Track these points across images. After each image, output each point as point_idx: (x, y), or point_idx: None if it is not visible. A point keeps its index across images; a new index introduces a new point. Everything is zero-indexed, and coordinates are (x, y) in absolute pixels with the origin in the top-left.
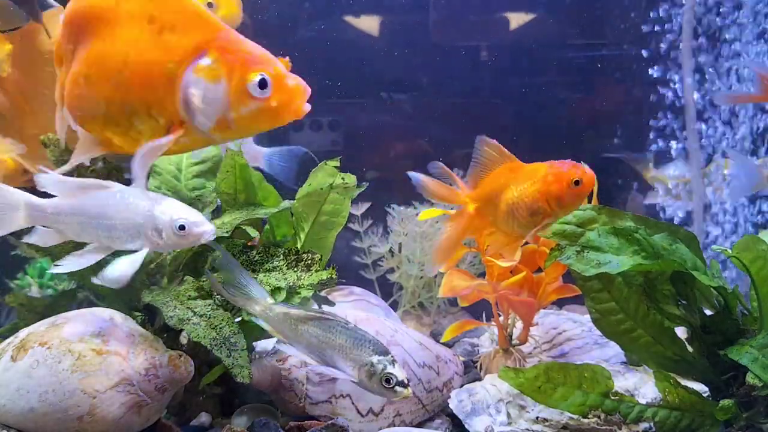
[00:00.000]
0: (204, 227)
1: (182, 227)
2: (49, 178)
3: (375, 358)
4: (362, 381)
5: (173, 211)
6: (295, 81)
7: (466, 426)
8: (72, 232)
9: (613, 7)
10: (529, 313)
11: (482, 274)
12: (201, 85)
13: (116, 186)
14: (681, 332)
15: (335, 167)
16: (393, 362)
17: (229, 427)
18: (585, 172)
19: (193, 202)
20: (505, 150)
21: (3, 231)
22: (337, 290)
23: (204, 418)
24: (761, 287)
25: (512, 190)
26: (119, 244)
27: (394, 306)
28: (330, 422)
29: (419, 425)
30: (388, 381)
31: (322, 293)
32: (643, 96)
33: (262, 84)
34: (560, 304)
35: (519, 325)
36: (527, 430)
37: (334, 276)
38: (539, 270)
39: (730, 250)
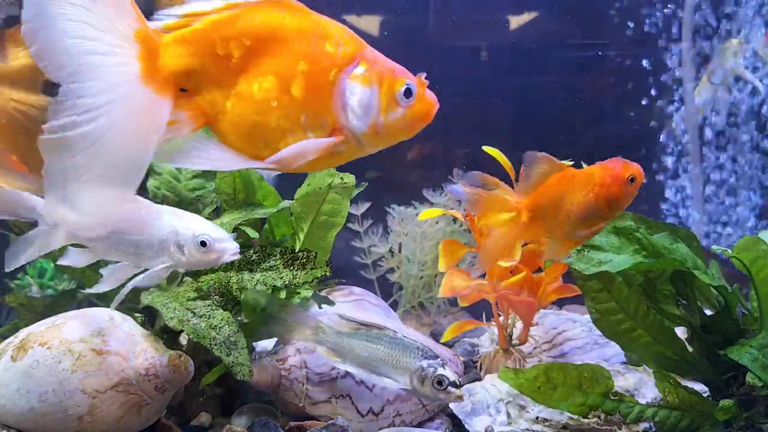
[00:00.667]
0: (226, 244)
1: (204, 243)
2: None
3: (425, 363)
4: (414, 387)
5: (196, 227)
6: (430, 93)
7: (466, 426)
8: (101, 249)
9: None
10: (529, 313)
11: (482, 274)
12: (357, 90)
13: (142, 201)
14: (681, 332)
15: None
16: (443, 365)
17: (229, 427)
18: (636, 168)
19: (193, 203)
20: (556, 159)
21: (44, 251)
22: (337, 290)
23: (204, 418)
24: (761, 287)
25: (570, 197)
26: (145, 261)
27: (394, 306)
28: (330, 422)
29: (419, 425)
30: (440, 383)
31: (323, 293)
32: (643, 96)
33: (408, 93)
34: (560, 304)
35: (519, 325)
36: (527, 430)
37: (327, 273)
38: (539, 270)
39: (730, 251)
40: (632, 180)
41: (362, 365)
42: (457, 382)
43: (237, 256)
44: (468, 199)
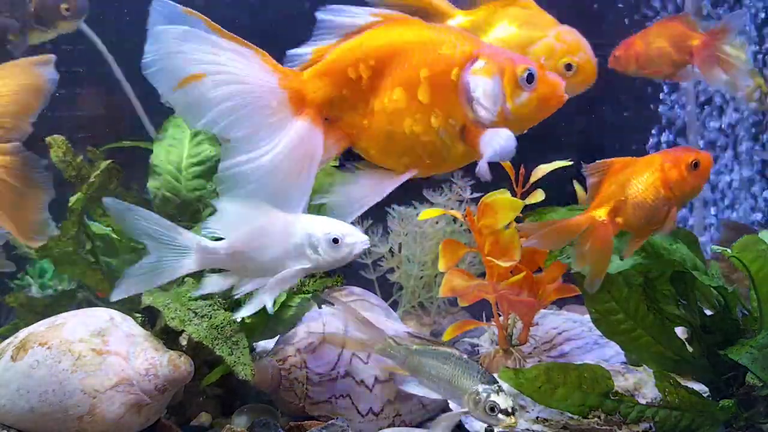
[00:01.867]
0: (356, 237)
1: (335, 240)
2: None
3: (481, 387)
4: (470, 408)
5: (325, 226)
6: (554, 75)
7: (466, 426)
8: (238, 269)
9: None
10: (529, 313)
11: (482, 274)
12: (480, 82)
13: (272, 211)
14: (681, 332)
15: (334, 167)
16: (498, 391)
17: (229, 427)
18: (701, 153)
19: (193, 203)
20: (610, 159)
21: (172, 276)
22: (337, 290)
23: (204, 418)
24: (761, 287)
25: (634, 185)
26: (281, 269)
27: (394, 306)
28: (330, 422)
29: (419, 425)
30: (492, 409)
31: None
32: (643, 95)
33: (530, 77)
34: (560, 304)
35: (519, 325)
36: (527, 430)
37: (340, 283)
38: (539, 270)
39: (729, 251)
40: (695, 165)
41: (427, 382)
42: (509, 410)
43: (366, 246)
44: (540, 243)
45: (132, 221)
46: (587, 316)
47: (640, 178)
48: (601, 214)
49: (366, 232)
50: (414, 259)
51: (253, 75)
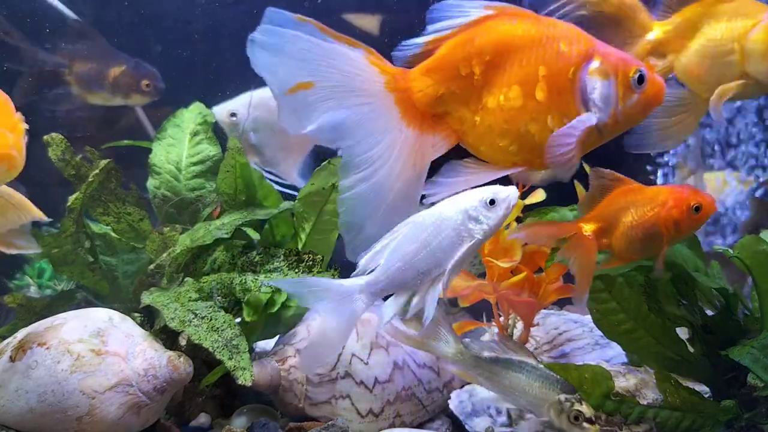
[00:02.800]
0: (505, 190)
1: (492, 202)
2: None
3: (563, 397)
4: (550, 418)
5: (474, 196)
6: (658, 76)
7: (466, 427)
8: (406, 285)
9: None
10: (529, 314)
11: (482, 274)
12: (597, 84)
13: (418, 214)
14: (682, 333)
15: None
16: (580, 400)
17: (228, 428)
18: (705, 198)
19: (193, 203)
20: (620, 175)
21: (350, 329)
22: None
23: (203, 418)
24: (762, 287)
25: (631, 213)
26: (445, 263)
27: None
28: (330, 423)
29: (419, 426)
30: (576, 418)
31: None
32: None
33: (641, 79)
34: (561, 304)
35: (519, 325)
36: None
37: (336, 277)
38: (540, 270)
39: (731, 251)
40: (698, 209)
41: (501, 392)
42: (593, 418)
43: (517, 192)
44: (530, 238)
45: (298, 293)
46: (588, 317)
47: (640, 209)
48: (588, 228)
49: None
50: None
51: (360, 79)
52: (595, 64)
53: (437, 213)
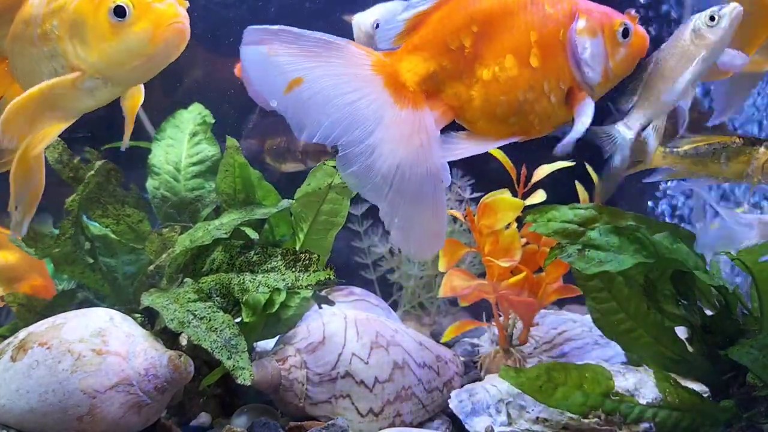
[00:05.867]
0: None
1: (712, 18)
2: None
3: None
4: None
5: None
6: (640, 27)
7: (466, 426)
8: None
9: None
10: (529, 313)
11: (482, 274)
12: (587, 43)
13: None
14: (681, 332)
15: (334, 167)
16: None
17: (228, 427)
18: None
19: (192, 202)
20: None
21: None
22: (337, 290)
23: (204, 418)
24: (762, 287)
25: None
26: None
27: (394, 306)
28: (330, 422)
29: (419, 425)
30: None
31: (323, 293)
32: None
33: (626, 32)
34: (560, 304)
35: (519, 325)
36: (527, 430)
37: (332, 276)
38: (540, 270)
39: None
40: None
41: None
42: None
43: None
44: None
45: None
46: (587, 316)
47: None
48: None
49: (366, 233)
50: (414, 259)
51: (346, 66)
52: (581, 23)
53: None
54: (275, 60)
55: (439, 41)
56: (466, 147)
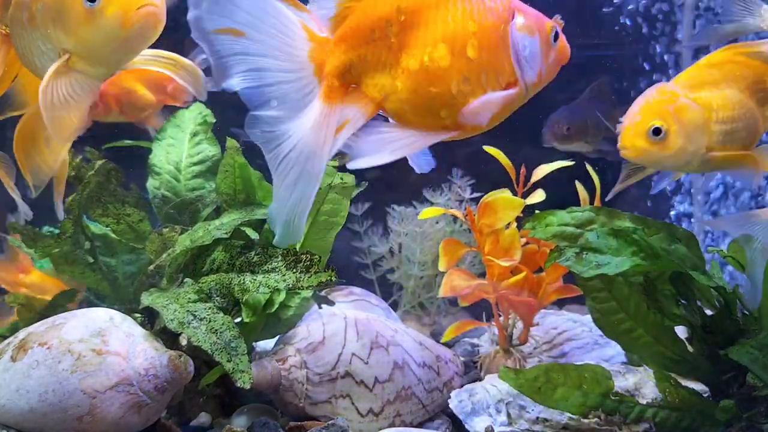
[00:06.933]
0: None
1: None
2: None
3: None
4: None
5: None
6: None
7: (466, 426)
8: None
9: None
10: (529, 313)
11: (482, 274)
12: (527, 41)
13: None
14: (681, 332)
15: (333, 167)
16: None
17: (228, 427)
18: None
19: (193, 203)
20: None
21: None
22: (337, 290)
23: (204, 418)
24: (762, 287)
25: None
26: None
27: (394, 306)
28: (330, 422)
29: (419, 425)
30: None
31: (323, 293)
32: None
33: (556, 36)
34: (560, 304)
35: (519, 325)
36: (527, 430)
37: (333, 278)
38: (540, 270)
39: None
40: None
41: None
42: None
43: None
44: None
45: None
46: (587, 316)
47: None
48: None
49: (366, 233)
50: (414, 259)
51: (289, 43)
52: (520, 20)
53: None
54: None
55: (362, 32)
56: (397, 139)
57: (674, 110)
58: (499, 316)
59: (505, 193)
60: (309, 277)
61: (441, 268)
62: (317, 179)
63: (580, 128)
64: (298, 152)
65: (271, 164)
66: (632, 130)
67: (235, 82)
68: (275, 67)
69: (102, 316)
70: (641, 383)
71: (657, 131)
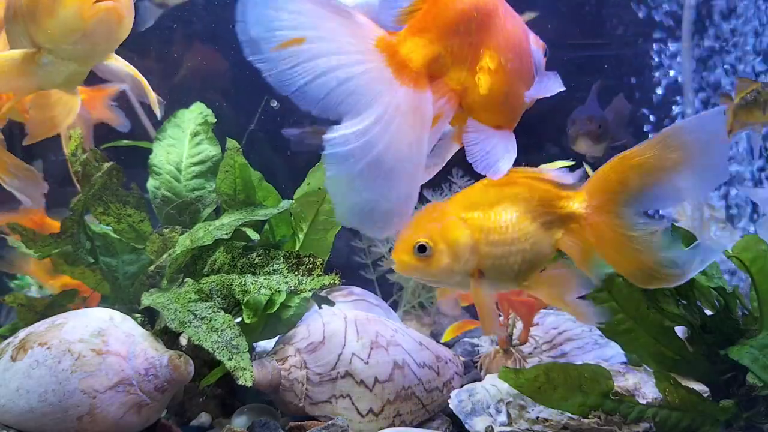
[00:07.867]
0: None
1: None
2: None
3: None
4: None
5: None
6: None
7: (466, 426)
8: None
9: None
10: (529, 314)
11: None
12: (539, 54)
13: None
14: (681, 332)
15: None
16: None
17: (228, 427)
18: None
19: (193, 203)
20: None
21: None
22: (337, 290)
23: (204, 418)
24: (761, 287)
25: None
26: None
27: (394, 306)
28: (330, 422)
29: (419, 425)
30: None
31: (323, 293)
32: (642, 95)
33: (546, 53)
34: None
35: (519, 325)
36: (527, 430)
37: (337, 282)
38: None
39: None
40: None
41: None
42: None
43: None
44: None
45: None
46: None
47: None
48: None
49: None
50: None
51: (351, 36)
52: (532, 35)
53: None
54: (277, 13)
55: (448, 24)
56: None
57: (441, 229)
58: (499, 316)
59: None
60: (311, 280)
61: None
62: (419, 167)
63: (608, 125)
64: (390, 135)
65: (354, 153)
66: (401, 244)
67: (305, 89)
68: (344, 62)
69: (102, 316)
70: (641, 383)
71: (422, 248)
